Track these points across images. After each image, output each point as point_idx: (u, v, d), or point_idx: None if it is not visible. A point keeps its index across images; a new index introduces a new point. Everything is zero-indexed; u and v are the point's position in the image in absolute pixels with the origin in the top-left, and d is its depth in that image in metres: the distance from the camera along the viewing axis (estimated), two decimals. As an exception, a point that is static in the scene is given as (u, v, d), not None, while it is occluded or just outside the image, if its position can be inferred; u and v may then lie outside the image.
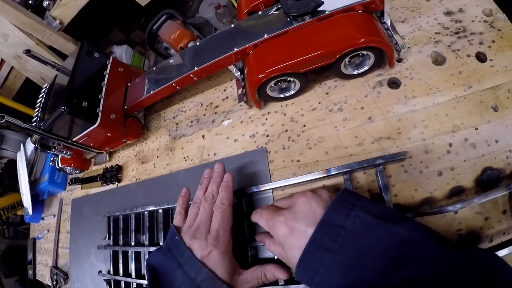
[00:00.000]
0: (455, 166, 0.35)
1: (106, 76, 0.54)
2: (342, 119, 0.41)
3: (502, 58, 0.37)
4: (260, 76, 0.40)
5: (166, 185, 0.52)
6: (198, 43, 0.49)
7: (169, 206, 0.47)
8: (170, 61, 0.52)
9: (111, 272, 0.55)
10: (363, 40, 0.37)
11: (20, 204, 0.95)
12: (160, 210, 0.48)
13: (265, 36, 0.42)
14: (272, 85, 0.42)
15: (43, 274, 0.85)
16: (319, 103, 0.44)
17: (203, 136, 0.51)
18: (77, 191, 0.73)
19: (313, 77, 0.45)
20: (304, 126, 0.43)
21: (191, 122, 0.53)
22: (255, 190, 0.40)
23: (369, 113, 0.40)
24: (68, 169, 0.69)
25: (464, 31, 0.41)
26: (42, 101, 0.59)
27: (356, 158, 0.38)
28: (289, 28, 0.41)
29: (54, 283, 0.75)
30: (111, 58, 0.56)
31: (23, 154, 0.82)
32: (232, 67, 0.46)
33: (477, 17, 0.41)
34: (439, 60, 0.41)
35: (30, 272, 0.91)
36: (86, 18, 0.82)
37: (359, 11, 0.39)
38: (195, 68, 0.45)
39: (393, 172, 0.37)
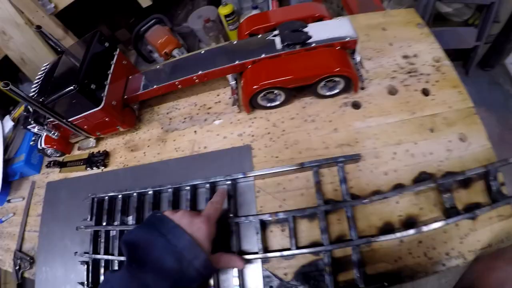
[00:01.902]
0: (398, 169, 0.45)
1: (112, 65, 0.59)
2: (314, 128, 0.51)
3: (442, 94, 0.50)
4: (255, 86, 0.49)
5: (156, 172, 0.57)
6: (202, 52, 0.57)
7: (161, 188, 0.52)
8: (174, 62, 0.59)
9: (90, 252, 0.57)
10: (337, 69, 0.48)
11: None
12: (150, 192, 0.53)
13: (263, 55, 0.51)
14: (263, 95, 0.52)
15: (3, 259, 0.82)
16: (297, 114, 0.53)
17: (195, 131, 0.58)
18: (54, 175, 0.74)
19: (294, 93, 0.55)
20: (284, 130, 0.52)
21: (185, 119, 0.60)
22: (242, 175, 0.47)
23: (335, 125, 0.51)
24: (49, 151, 0.70)
25: (415, 72, 0.53)
26: (42, 78, 0.62)
27: (323, 157, 0.48)
28: (282, 52, 0.51)
29: (17, 267, 0.73)
30: (117, 50, 0.61)
31: (3, 127, 0.80)
32: (229, 76, 0.55)
33: (427, 61, 0.54)
34: (393, 91, 0.53)
35: None
36: (77, 8, 0.85)
37: (337, 48, 0.50)
38: (199, 72, 0.53)
39: (350, 170, 0.47)
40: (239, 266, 0.43)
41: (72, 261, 0.61)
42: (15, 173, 0.81)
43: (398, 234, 0.40)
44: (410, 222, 0.42)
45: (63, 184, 0.71)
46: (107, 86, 0.57)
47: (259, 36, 0.55)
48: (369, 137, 0.49)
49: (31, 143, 0.75)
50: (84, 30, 0.99)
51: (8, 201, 0.85)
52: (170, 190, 0.52)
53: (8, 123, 0.85)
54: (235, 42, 0.56)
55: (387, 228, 0.43)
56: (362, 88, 0.54)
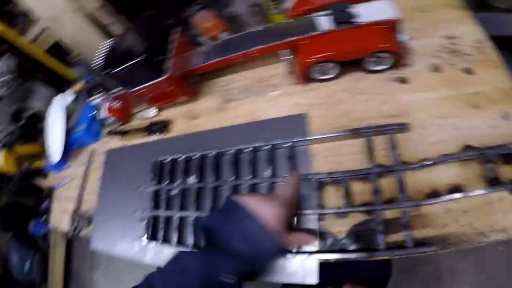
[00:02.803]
0: (444, 141, 0.49)
1: (175, 40, 0.65)
2: (365, 100, 0.56)
3: (485, 73, 0.53)
4: (311, 59, 0.55)
5: (216, 137, 0.62)
6: (261, 28, 0.62)
7: (223, 150, 0.57)
8: (232, 38, 0.65)
9: (151, 210, 0.62)
10: (386, 45, 0.53)
11: (39, 155, 1.00)
12: (212, 154, 0.58)
13: (317, 32, 0.56)
14: (317, 68, 0.57)
15: (59, 220, 0.90)
16: (348, 87, 0.58)
17: (253, 101, 0.63)
18: (113, 143, 0.80)
19: (346, 69, 0.59)
20: (337, 101, 0.57)
21: (243, 90, 0.66)
22: (301, 139, 0.53)
23: (384, 98, 0.55)
24: (110, 120, 0.77)
25: (458, 52, 0.56)
26: (106, 53, 0.68)
27: (375, 126, 0.52)
28: (333, 30, 0.56)
29: (74, 227, 0.79)
30: (179, 27, 0.67)
31: (63, 101, 0.88)
32: (285, 52, 0.60)
33: (470, 43, 0.57)
34: (437, 69, 0.56)
35: (42, 219, 0.95)
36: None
37: (384, 26, 0.55)
38: (260, 46, 0.59)
39: (399, 139, 0.51)
40: (311, 242, 0.45)
41: (130, 219, 0.66)
42: (76, 141, 0.88)
43: (446, 198, 0.43)
44: (456, 192, 0.45)
45: (123, 150, 0.77)
46: (171, 59, 0.62)
47: (311, 15, 0.59)
48: (417, 110, 0.53)
49: (93, 113, 0.82)
50: (133, 16, 1.05)
51: (67, 167, 0.92)
52: (232, 152, 0.57)
53: (69, 95, 0.92)
54: (291, 21, 0.60)
55: (435, 195, 0.45)
56: (408, 65, 0.58)
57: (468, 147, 0.48)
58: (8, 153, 0.89)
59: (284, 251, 0.45)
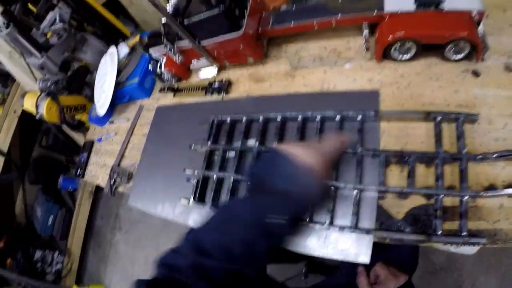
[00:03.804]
0: (508, 138, 0.50)
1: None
2: (438, 86, 0.57)
3: None
4: (392, 36, 0.55)
5: (281, 103, 0.62)
6: (339, 1, 0.62)
7: (290, 115, 0.58)
8: (309, 5, 0.65)
9: (203, 169, 0.61)
10: (469, 34, 0.53)
11: (82, 108, 1.00)
12: (278, 118, 0.59)
13: (399, 11, 0.56)
14: (396, 47, 0.57)
15: (95, 174, 0.89)
16: (423, 71, 0.59)
17: (324, 71, 0.64)
18: (165, 99, 0.80)
19: (423, 53, 0.59)
20: (410, 83, 0.58)
21: (314, 59, 0.66)
22: (373, 112, 0.54)
23: (456, 87, 0.56)
24: (167, 75, 0.76)
25: None
26: (176, 2, 0.67)
27: (444, 113, 0.53)
28: (417, 10, 0.56)
29: (112, 182, 0.79)
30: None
31: (115, 54, 0.87)
32: (365, 25, 0.60)
33: None
34: (510, 69, 0.57)
35: (78, 171, 0.95)
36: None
37: (469, 17, 0.55)
38: (339, 16, 0.59)
39: (466, 130, 0.52)
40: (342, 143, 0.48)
41: (175, 179, 0.65)
42: (125, 96, 0.87)
43: (505, 191, 0.44)
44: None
45: (176, 108, 0.76)
46: (246, 16, 0.61)
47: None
48: (485, 104, 0.53)
49: (149, 66, 0.81)
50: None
51: (111, 122, 0.92)
52: (299, 119, 0.57)
53: (123, 49, 0.91)
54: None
55: (491, 189, 0.46)
56: (483, 60, 0.59)
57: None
58: (52, 102, 0.89)
59: (326, 188, 0.47)
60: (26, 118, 1.54)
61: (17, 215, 1.92)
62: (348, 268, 0.63)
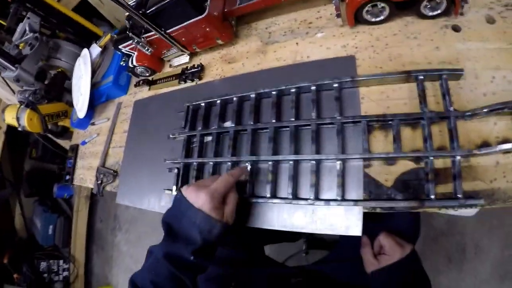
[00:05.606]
0: (496, 93, 0.47)
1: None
2: (416, 44, 0.54)
3: None
4: (363, -3, 0.51)
5: (256, 80, 0.60)
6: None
7: (264, 91, 0.55)
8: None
9: (182, 157, 0.61)
10: None
11: (63, 114, 0.97)
12: (252, 95, 0.56)
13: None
14: (368, 8, 0.54)
15: (84, 177, 0.89)
16: (399, 31, 0.56)
17: (296, 43, 0.61)
18: (142, 93, 0.78)
19: (397, 13, 0.56)
20: (387, 45, 0.55)
21: (285, 32, 0.63)
22: (349, 79, 0.51)
23: (436, 44, 0.53)
24: (140, 69, 0.74)
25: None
26: None
27: (426, 71, 0.50)
28: None
29: (99, 182, 0.79)
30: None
31: (87, 56, 0.85)
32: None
33: None
34: (490, 21, 0.53)
35: (67, 177, 0.94)
36: None
37: None
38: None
39: (452, 86, 0.49)
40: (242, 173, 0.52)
41: (158, 170, 0.65)
42: (102, 95, 0.86)
43: (499, 148, 0.42)
44: (505, 141, 0.44)
45: (152, 100, 0.75)
46: (210, -3, 0.59)
47: None
48: (469, 59, 0.50)
49: (121, 62, 0.80)
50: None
51: (92, 123, 0.91)
52: (274, 93, 0.55)
53: (95, 49, 0.89)
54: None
55: (485, 146, 0.44)
56: (462, 14, 0.55)
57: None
58: (32, 113, 0.87)
59: (224, 225, 0.48)
60: (12, 133, 1.52)
61: (18, 230, 1.92)
62: (351, 241, 0.61)
